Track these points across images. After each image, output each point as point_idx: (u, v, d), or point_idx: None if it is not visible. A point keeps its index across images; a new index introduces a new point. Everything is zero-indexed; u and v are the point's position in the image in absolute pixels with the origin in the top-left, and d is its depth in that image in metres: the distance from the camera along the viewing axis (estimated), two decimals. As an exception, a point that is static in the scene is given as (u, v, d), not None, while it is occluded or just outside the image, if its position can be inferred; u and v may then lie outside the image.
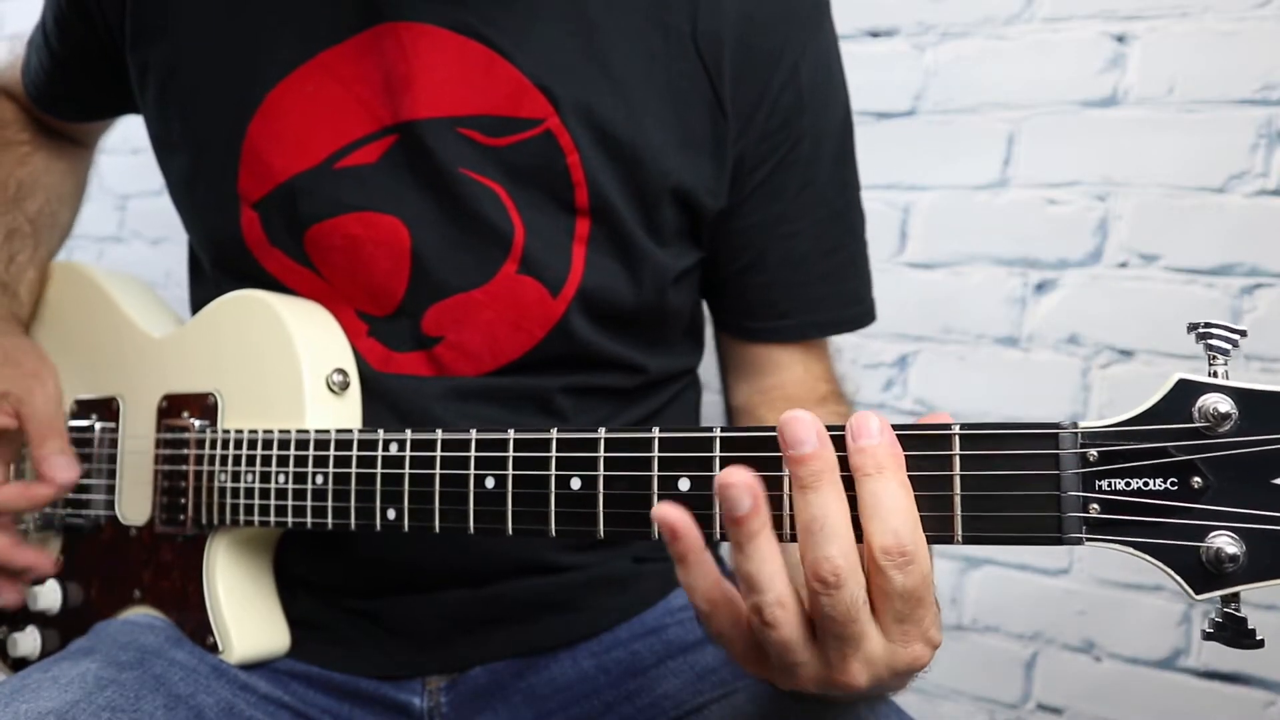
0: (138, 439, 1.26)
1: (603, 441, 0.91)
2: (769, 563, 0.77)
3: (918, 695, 1.89)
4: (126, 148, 2.55)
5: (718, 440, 0.86)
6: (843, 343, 1.81)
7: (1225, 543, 0.70)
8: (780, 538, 0.80)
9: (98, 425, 1.30)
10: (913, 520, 0.76)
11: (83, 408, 1.32)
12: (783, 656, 0.79)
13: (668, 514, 0.78)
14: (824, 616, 0.76)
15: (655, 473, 0.88)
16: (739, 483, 0.75)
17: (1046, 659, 1.79)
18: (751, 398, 1.35)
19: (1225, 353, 0.72)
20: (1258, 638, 0.71)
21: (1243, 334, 0.72)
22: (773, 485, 0.82)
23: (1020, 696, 1.81)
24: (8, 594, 1.29)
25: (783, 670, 0.81)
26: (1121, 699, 1.73)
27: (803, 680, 0.80)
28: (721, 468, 0.84)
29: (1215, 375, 0.72)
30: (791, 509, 0.81)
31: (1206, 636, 0.72)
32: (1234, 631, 0.71)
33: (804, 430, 0.77)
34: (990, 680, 1.83)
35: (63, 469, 1.23)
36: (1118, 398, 1.72)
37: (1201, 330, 0.73)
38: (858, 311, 1.34)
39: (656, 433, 0.89)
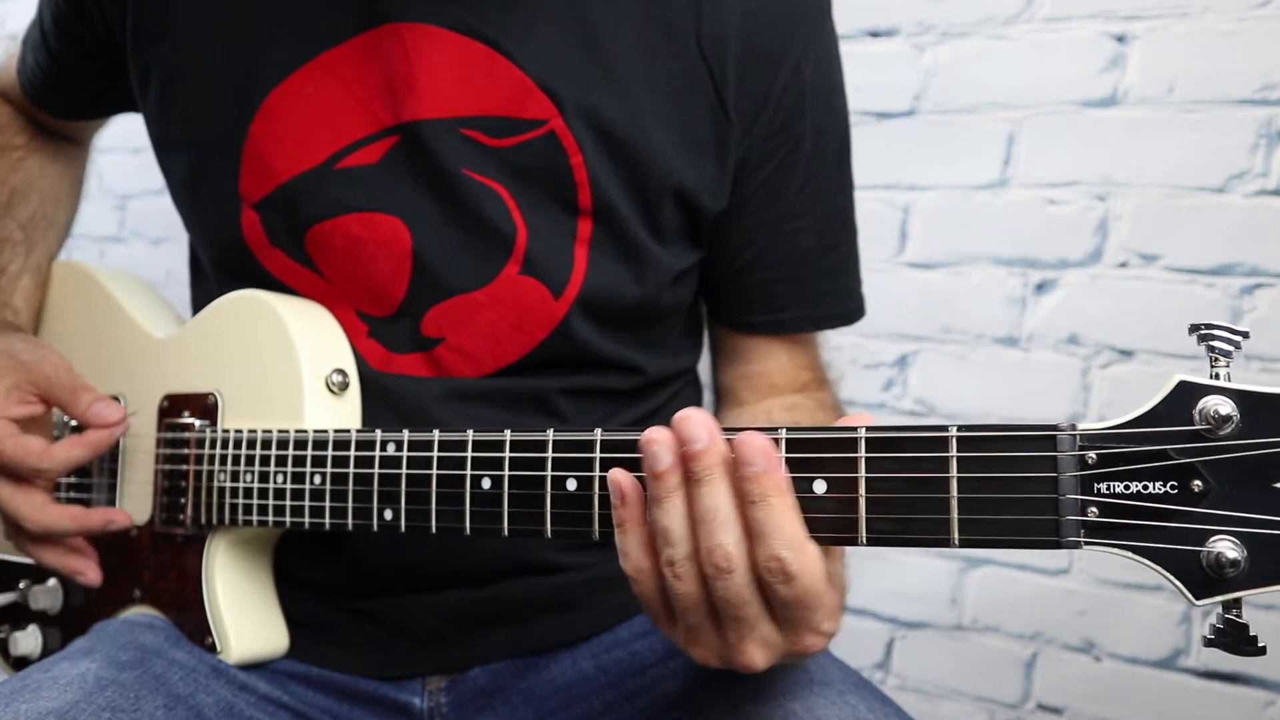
0: (139, 438, 1.26)
1: (599, 443, 0.91)
2: (681, 520, 0.83)
3: (917, 695, 1.89)
4: (127, 147, 2.55)
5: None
6: (842, 342, 1.82)
7: (1226, 547, 0.69)
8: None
9: None
10: (797, 539, 0.81)
11: (85, 407, 1.32)
12: (686, 617, 0.85)
13: (622, 478, 0.86)
14: (719, 599, 0.82)
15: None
16: (660, 439, 0.83)
17: (1046, 659, 1.79)
18: (735, 382, 1.37)
19: (1227, 355, 0.71)
20: (1260, 645, 0.70)
21: (1245, 336, 0.71)
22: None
23: (1020, 696, 1.81)
24: (90, 572, 1.25)
25: (687, 635, 0.87)
26: (1121, 699, 1.73)
27: (705, 652, 0.87)
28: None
29: (1217, 377, 0.71)
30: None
31: (1208, 643, 0.72)
32: (1235, 639, 0.71)
33: (696, 428, 0.82)
34: (990, 680, 1.83)
35: (109, 412, 1.22)
36: (1118, 398, 1.72)
37: (1204, 332, 0.72)
38: (852, 307, 1.35)
39: None
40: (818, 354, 1.39)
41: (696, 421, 0.82)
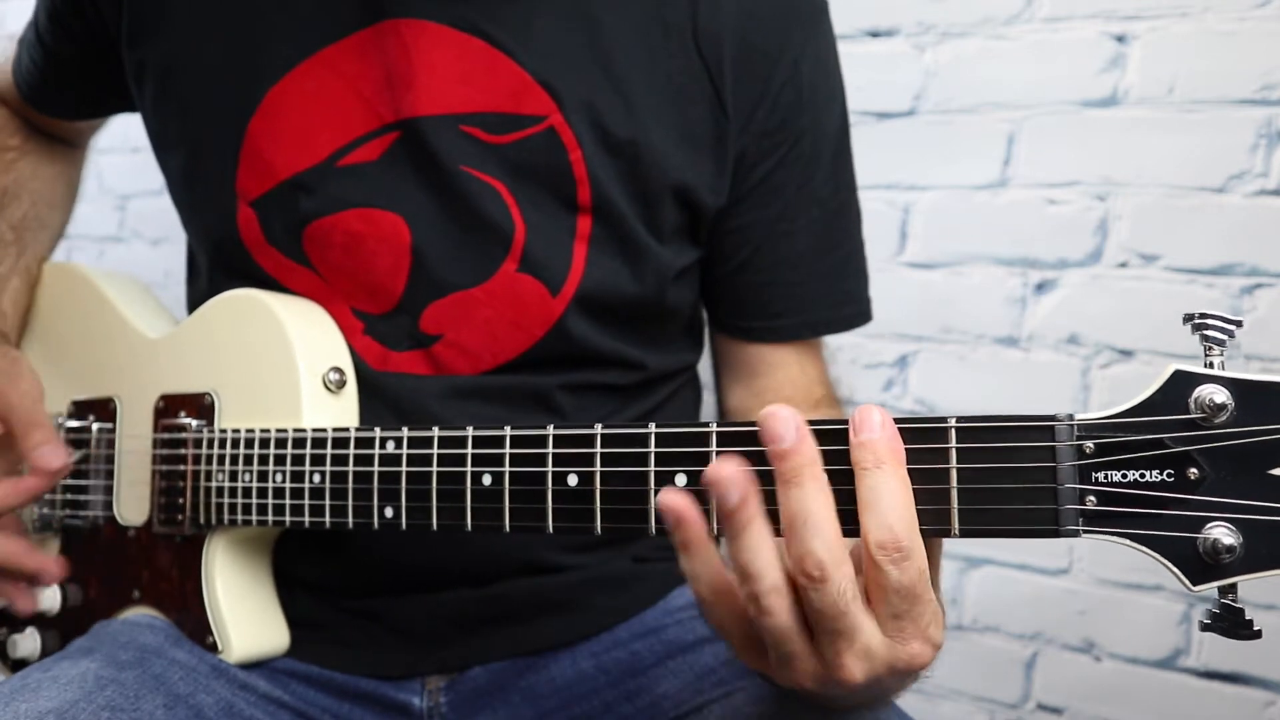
0: (135, 439, 1.26)
1: (599, 438, 0.91)
2: (763, 553, 0.76)
3: (917, 695, 1.88)
4: (126, 147, 2.55)
5: (714, 435, 0.86)
6: (843, 342, 1.82)
7: (1222, 533, 0.70)
8: (777, 531, 0.79)
9: (95, 426, 1.29)
10: (909, 515, 0.75)
11: (80, 409, 1.32)
12: (779, 646, 0.78)
13: (672, 501, 0.78)
14: (813, 610, 0.76)
15: (652, 468, 0.88)
16: (727, 477, 0.76)
17: (1046, 659, 1.79)
18: (746, 400, 1.35)
19: (1221, 344, 0.72)
20: (1255, 628, 0.70)
21: (1238, 324, 0.72)
22: (770, 479, 0.82)
23: (1020, 696, 1.81)
24: (20, 599, 1.28)
25: (780, 662, 0.80)
26: (1121, 699, 1.73)
27: (800, 675, 0.80)
28: (717, 461, 0.84)
29: (1211, 366, 0.72)
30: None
31: (1204, 627, 0.72)
32: (1231, 622, 0.71)
33: (782, 426, 0.77)
34: (990, 680, 1.83)
35: (51, 457, 1.20)
36: (1118, 398, 1.70)
37: (1198, 321, 0.72)
38: (853, 311, 1.34)
39: (653, 428, 0.89)
40: (826, 369, 1.37)
41: (782, 418, 0.77)
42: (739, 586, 0.78)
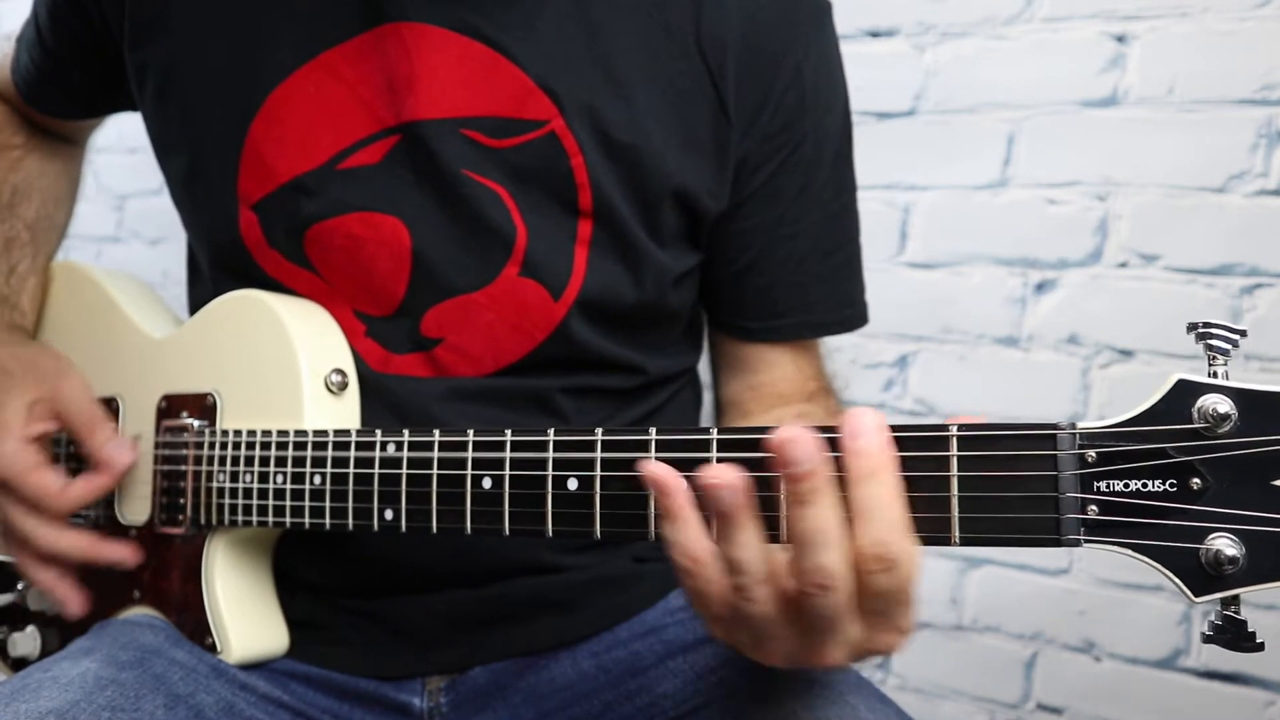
0: (137, 439, 1.26)
1: (600, 442, 0.91)
2: (753, 548, 0.78)
3: (917, 695, 1.89)
4: (124, 147, 2.55)
5: (715, 441, 0.86)
6: (842, 342, 1.82)
7: (1225, 544, 0.70)
8: (775, 539, 0.80)
9: None
10: (900, 526, 0.75)
11: (82, 408, 1.32)
12: (758, 630, 0.81)
13: (656, 470, 0.80)
14: (813, 615, 0.77)
15: (653, 473, 0.88)
16: (727, 484, 0.76)
17: (1046, 659, 1.79)
18: (743, 394, 1.35)
19: (1225, 353, 0.71)
20: (1258, 641, 0.70)
21: (1243, 334, 0.71)
22: (765, 485, 0.82)
23: (1020, 696, 1.81)
24: (74, 605, 1.24)
25: (754, 641, 0.82)
26: (1121, 699, 1.73)
27: (772, 656, 0.82)
28: (717, 466, 0.84)
29: (1215, 375, 0.71)
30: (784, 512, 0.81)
31: (1206, 639, 0.72)
32: (1234, 634, 0.71)
33: (802, 451, 0.75)
34: (990, 680, 1.83)
35: (119, 453, 1.21)
36: (1118, 398, 1.72)
37: (1201, 330, 0.72)
38: (852, 313, 1.34)
39: (653, 433, 0.88)
40: (823, 363, 1.37)
41: (802, 443, 0.75)
42: (727, 576, 0.79)
